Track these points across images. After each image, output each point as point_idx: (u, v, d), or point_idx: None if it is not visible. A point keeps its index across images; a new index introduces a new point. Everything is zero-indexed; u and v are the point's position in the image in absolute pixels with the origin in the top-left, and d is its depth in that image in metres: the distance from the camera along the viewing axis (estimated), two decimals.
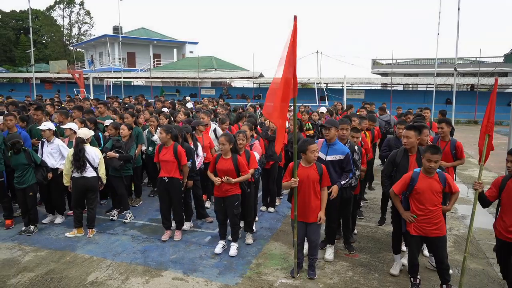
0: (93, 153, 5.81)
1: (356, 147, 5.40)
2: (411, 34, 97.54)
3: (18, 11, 75.95)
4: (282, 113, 4.40)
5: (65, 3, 65.73)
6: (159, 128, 5.62)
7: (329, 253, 5.21)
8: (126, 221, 6.45)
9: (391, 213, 5.09)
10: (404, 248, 5.05)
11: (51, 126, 6.25)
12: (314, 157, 4.53)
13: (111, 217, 6.60)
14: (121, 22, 40.43)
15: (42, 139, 6.37)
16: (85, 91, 24.20)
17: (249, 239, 5.70)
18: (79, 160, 5.64)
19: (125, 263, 5.02)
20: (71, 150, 5.77)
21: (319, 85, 25.94)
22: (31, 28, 21.87)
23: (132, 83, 40.53)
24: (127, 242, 5.71)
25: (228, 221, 5.39)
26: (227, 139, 5.13)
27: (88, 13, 68.63)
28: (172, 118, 8.42)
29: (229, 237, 5.51)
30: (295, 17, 4.24)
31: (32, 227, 5.98)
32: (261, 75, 30.41)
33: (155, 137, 7.39)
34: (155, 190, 8.08)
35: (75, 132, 6.58)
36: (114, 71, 37.53)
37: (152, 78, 33.40)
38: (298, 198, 4.57)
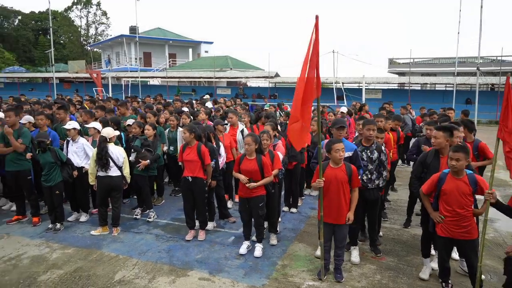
0: (117, 152, 5.85)
1: (382, 148, 5.31)
2: (428, 33, 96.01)
3: (37, 12, 77.43)
4: (305, 113, 4.37)
5: (82, 4, 66.72)
6: (183, 127, 5.61)
7: (355, 255, 5.13)
8: (149, 220, 6.48)
9: (421, 215, 4.99)
10: (433, 252, 4.94)
11: (76, 125, 6.32)
12: (339, 157, 4.47)
13: (134, 216, 6.64)
14: (137, 22, 40.70)
15: (67, 138, 6.44)
16: (103, 90, 24.50)
17: (273, 240, 5.66)
18: (102, 159, 5.69)
19: (151, 262, 5.04)
20: (96, 149, 5.82)
21: (337, 84, 25.73)
22: (50, 29, 22.36)
23: (148, 83, 40.87)
24: (151, 241, 5.73)
25: (252, 221, 5.36)
26: (253, 139, 5.10)
27: (104, 13, 69.55)
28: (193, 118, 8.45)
29: (254, 238, 5.49)
30: (316, 17, 4.20)
31: (58, 225, 6.05)
32: (276, 75, 30.30)
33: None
34: (176, 189, 8.11)
35: (99, 131, 6.65)
36: (130, 71, 37.95)
37: (169, 77, 33.62)
38: (325, 199, 4.52)
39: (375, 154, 5.16)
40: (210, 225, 6.16)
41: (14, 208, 6.98)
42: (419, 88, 33.66)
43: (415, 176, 4.87)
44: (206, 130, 6.05)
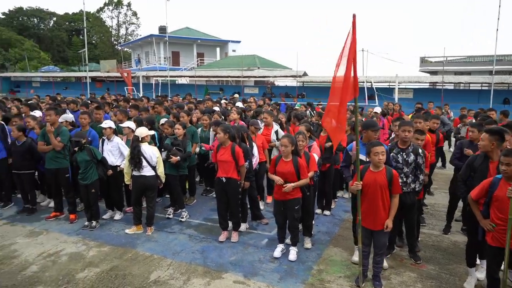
0: (151, 152, 5.87)
1: (420, 150, 5.09)
2: (462, 30, 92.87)
3: (70, 14, 79.94)
4: (341, 113, 4.26)
5: (113, 4, 68.35)
6: (218, 127, 5.56)
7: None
8: (182, 219, 6.49)
9: (466, 222, 4.75)
10: (478, 261, 4.69)
11: (112, 124, 6.40)
12: (378, 160, 4.28)
13: (167, 215, 6.67)
14: (167, 22, 41.29)
15: (103, 137, 6.54)
16: (134, 89, 24.94)
17: (307, 244, 5.54)
18: (134, 158, 5.73)
19: (185, 263, 5.03)
20: (130, 149, 5.87)
21: (368, 83, 25.24)
22: (85, 30, 22.94)
23: (176, 82, 41.41)
24: (185, 241, 5.73)
25: (287, 224, 5.26)
26: (290, 140, 5.00)
27: (134, 14, 71.06)
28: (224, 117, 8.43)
29: (288, 241, 5.39)
30: (354, 16, 4.07)
31: (94, 223, 6.15)
32: (304, 74, 29.98)
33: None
34: (207, 189, 8.11)
35: (133, 131, 6.71)
36: (159, 70, 38.53)
37: (197, 76, 33.91)
38: (363, 203, 4.37)
39: (411, 157, 4.97)
40: (243, 227, 6.10)
41: (51, 204, 7.15)
42: (452, 87, 32.57)
43: (462, 180, 4.63)
44: (240, 131, 5.99)
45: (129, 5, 69.50)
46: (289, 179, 5.00)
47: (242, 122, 8.66)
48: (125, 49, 63.86)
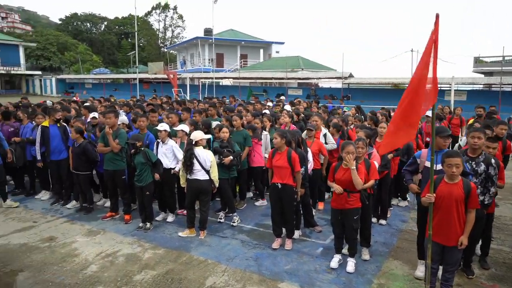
0: (205, 156, 5.84)
1: (492, 160, 4.70)
2: None
3: (120, 18, 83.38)
4: (413, 116, 3.99)
5: (161, 8, 70.51)
6: (276, 132, 5.43)
7: None
8: (234, 224, 6.44)
9: None
10: None
11: (167, 127, 6.46)
12: (451, 173, 3.95)
13: (218, 220, 6.64)
14: (213, 24, 41.86)
15: (158, 140, 6.62)
16: (181, 91, 25.45)
17: (365, 255, 5.29)
18: (186, 161, 5.74)
19: (239, 270, 4.95)
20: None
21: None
22: (136, 34, 23.72)
23: (220, 83, 41.97)
24: (238, 247, 5.65)
25: (345, 234, 5.04)
26: (354, 148, 4.79)
27: (180, 17, 72.87)
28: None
29: (344, 251, 5.18)
30: (437, 15, 3.78)
31: (148, 224, 6.23)
32: (350, 75, 29.36)
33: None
34: (256, 193, 8.02)
35: (187, 134, 6.75)
36: (204, 72, 39.20)
37: (241, 78, 34.13)
38: (436, 216, 4.07)
39: (482, 167, 4.60)
40: (296, 234, 5.94)
41: (107, 204, 7.36)
42: (510, 89, 30.56)
43: None
44: (296, 135, 5.84)
45: (175, 8, 71.45)
46: (349, 187, 4.79)
47: (294, 126, 8.52)
48: (171, 51, 65.63)
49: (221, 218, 6.65)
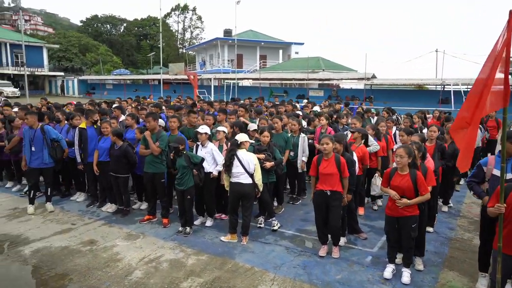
0: (248, 159, 5.67)
1: None
2: None
3: (139, 19, 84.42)
4: (476, 118, 3.74)
5: (180, 9, 70.98)
6: (326, 138, 5.18)
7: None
8: (274, 228, 6.25)
9: None
10: None
11: (208, 130, 6.31)
12: None
13: (258, 225, 6.45)
14: (231, 25, 42.04)
15: (197, 143, 6.48)
16: (205, 92, 25.43)
17: (419, 265, 5.03)
18: (227, 161, 5.59)
19: (289, 279, 4.75)
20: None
21: (448, 86, 23.71)
22: (160, 35, 23.74)
23: (239, 84, 41.94)
24: (283, 254, 5.46)
25: (401, 243, 4.79)
26: (406, 151, 4.54)
27: (199, 18, 73.19)
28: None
29: (398, 260, 4.93)
30: (510, 12, 3.51)
31: (188, 229, 6.09)
32: (373, 76, 28.84)
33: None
34: (294, 196, 7.81)
35: (226, 137, 6.60)
36: (223, 72, 39.18)
37: (262, 79, 33.97)
38: (506, 227, 3.80)
39: None
40: (342, 241, 5.71)
41: (143, 207, 7.27)
42: None
43: None
44: (344, 139, 5.61)
45: (194, 9, 71.80)
46: (407, 194, 4.54)
47: (331, 128, 8.30)
48: (189, 52, 66.01)
49: (261, 223, 6.46)
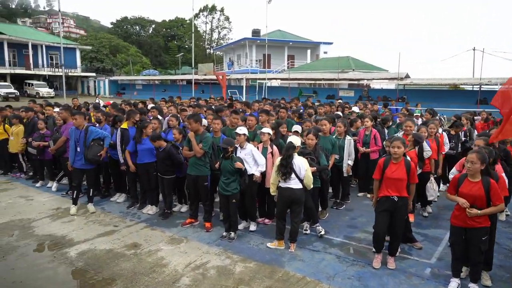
0: (300, 163, 5.41)
1: None
2: None
3: (167, 21, 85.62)
4: None
5: (208, 10, 71.47)
6: (397, 140, 4.84)
7: None
8: (321, 234, 5.97)
9: None
10: None
11: (246, 131, 6.08)
12: None
13: (304, 231, 6.18)
14: (258, 25, 41.95)
15: (235, 145, 6.26)
16: (236, 92, 25.33)
17: (486, 280, 4.64)
18: (286, 167, 5.31)
19: None
20: (279, 158, 5.47)
21: (486, 86, 22.74)
22: (193, 35, 23.86)
23: (267, 84, 41.74)
24: (334, 263, 5.17)
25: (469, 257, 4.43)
26: (480, 157, 4.17)
27: (227, 18, 73.46)
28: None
29: (462, 274, 4.57)
30: None
31: (232, 234, 5.89)
32: (407, 76, 28.02)
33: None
34: (337, 201, 7.50)
35: (271, 139, 6.38)
36: (251, 73, 39.05)
37: (292, 79, 33.64)
38: None
39: None
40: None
41: (183, 209, 7.13)
42: None
43: None
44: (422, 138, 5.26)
45: (222, 10, 72.12)
46: (478, 203, 4.18)
47: (376, 130, 7.94)
48: (217, 53, 66.33)
49: (306, 229, 6.20)
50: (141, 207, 7.22)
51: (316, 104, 14.21)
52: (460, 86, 30.54)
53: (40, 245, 5.70)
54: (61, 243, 5.76)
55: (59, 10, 19.59)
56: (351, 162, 7.15)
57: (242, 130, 6.08)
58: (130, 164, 6.88)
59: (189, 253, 5.46)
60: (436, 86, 29.77)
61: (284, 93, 31.90)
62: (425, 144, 6.51)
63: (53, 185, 8.49)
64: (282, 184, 5.43)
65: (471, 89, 29.41)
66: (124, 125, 7.23)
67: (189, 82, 47.61)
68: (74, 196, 6.99)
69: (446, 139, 7.67)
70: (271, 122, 6.92)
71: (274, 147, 6.33)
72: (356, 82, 33.69)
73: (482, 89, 25.37)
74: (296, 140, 5.44)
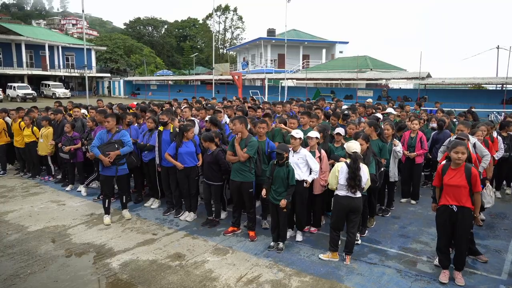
0: (365, 171, 5.05)
1: None
2: None
3: (179, 21, 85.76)
4: None
5: (221, 10, 71.26)
6: (460, 145, 4.47)
7: None
8: (357, 242, 5.66)
9: None
10: None
11: (302, 135, 5.73)
12: None
13: (356, 241, 5.80)
14: (272, 24, 41.62)
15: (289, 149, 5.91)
16: (258, 93, 25.01)
17: None
18: (355, 179, 4.92)
19: None
20: (339, 164, 5.11)
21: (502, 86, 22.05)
22: (213, 35, 23.62)
23: (281, 84, 41.34)
24: (396, 278, 4.80)
25: None
26: None
27: (240, 18, 73.18)
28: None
29: None
30: None
31: (280, 244, 5.55)
32: (428, 75, 27.37)
33: (399, 148, 6.44)
34: (383, 208, 7.11)
35: (318, 143, 6.03)
36: (266, 73, 38.69)
37: (309, 79, 33.20)
38: None
39: None
40: None
41: (222, 216, 6.80)
42: None
43: None
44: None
45: (235, 10, 71.85)
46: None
47: (422, 133, 7.54)
48: (230, 53, 66.10)
49: (358, 240, 5.82)
50: (177, 213, 6.93)
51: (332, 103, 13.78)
52: (483, 85, 29.76)
53: (80, 255, 5.44)
54: (101, 253, 5.48)
55: (83, 11, 19.55)
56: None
57: (298, 134, 5.71)
58: (177, 164, 6.45)
59: (238, 265, 5.13)
60: (459, 86, 29.04)
61: (301, 93, 31.48)
62: (479, 145, 6.11)
63: (82, 190, 8.26)
64: (340, 192, 5.07)
65: (495, 88, 28.68)
66: (160, 127, 6.93)
67: (203, 82, 47.51)
68: (106, 205, 6.65)
69: (501, 144, 7.23)
70: (317, 125, 6.53)
71: (322, 151, 5.97)
72: (374, 82, 33.09)
73: (508, 88, 24.66)
74: (357, 147, 5.07)
